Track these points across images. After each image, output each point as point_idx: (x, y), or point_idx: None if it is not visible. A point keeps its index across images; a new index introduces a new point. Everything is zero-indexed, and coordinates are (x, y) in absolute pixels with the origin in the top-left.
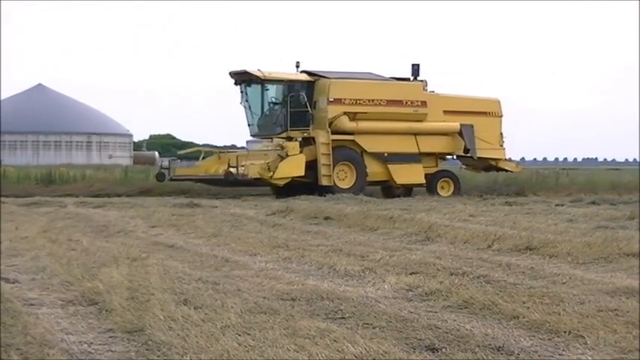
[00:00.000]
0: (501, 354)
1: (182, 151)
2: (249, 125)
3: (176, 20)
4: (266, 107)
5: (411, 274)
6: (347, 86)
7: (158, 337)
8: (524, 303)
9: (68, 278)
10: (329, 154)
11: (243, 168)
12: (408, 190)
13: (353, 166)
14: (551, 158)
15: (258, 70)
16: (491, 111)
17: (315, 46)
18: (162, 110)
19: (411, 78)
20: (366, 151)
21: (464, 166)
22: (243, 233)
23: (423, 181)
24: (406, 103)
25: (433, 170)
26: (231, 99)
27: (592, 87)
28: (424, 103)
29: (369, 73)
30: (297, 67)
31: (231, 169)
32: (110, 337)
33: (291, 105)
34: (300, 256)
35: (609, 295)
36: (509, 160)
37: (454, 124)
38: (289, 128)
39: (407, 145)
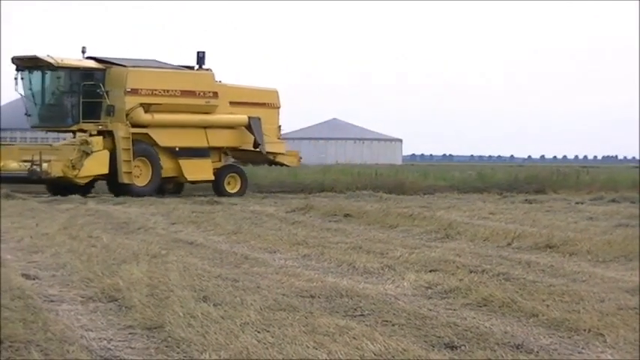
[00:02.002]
0: (521, 352)
1: None
2: (28, 115)
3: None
4: (52, 96)
5: (430, 271)
6: (144, 76)
7: (178, 334)
8: (543, 301)
9: (88, 275)
10: (129, 149)
11: (46, 165)
12: (179, 187)
13: (149, 161)
14: (571, 156)
15: (48, 55)
16: (270, 102)
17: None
18: None
19: (196, 67)
20: (158, 145)
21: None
22: (263, 230)
23: (212, 177)
24: (199, 94)
25: (219, 165)
26: None
27: (614, 84)
28: (215, 94)
29: (154, 60)
30: (83, 52)
31: (35, 167)
32: (130, 333)
33: (83, 95)
34: (320, 253)
35: (629, 294)
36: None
37: (243, 116)
38: (81, 120)
39: (197, 139)
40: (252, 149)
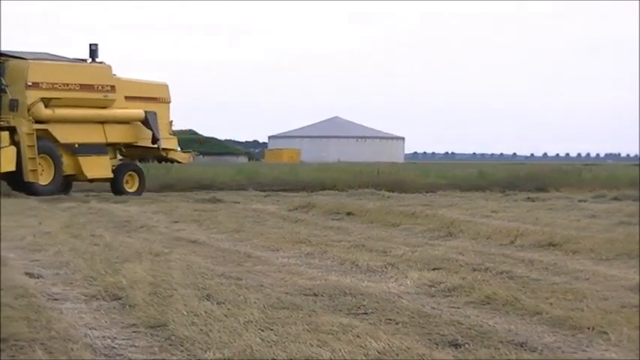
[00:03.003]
0: (524, 350)
1: None
2: None
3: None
4: None
5: (433, 269)
6: (45, 68)
7: (181, 332)
8: (546, 299)
9: (91, 273)
10: (34, 146)
11: None
12: (67, 186)
13: (51, 159)
14: (573, 154)
15: None
16: (161, 97)
17: None
18: (184, 105)
19: (89, 60)
20: (58, 141)
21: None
22: (265, 229)
23: (111, 175)
24: (97, 87)
25: (115, 163)
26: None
27: (617, 81)
28: (113, 88)
29: (46, 53)
30: None
31: None
32: (133, 332)
33: None
34: (322, 251)
35: (632, 292)
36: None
37: (139, 111)
38: None
39: (96, 135)
40: (147, 145)
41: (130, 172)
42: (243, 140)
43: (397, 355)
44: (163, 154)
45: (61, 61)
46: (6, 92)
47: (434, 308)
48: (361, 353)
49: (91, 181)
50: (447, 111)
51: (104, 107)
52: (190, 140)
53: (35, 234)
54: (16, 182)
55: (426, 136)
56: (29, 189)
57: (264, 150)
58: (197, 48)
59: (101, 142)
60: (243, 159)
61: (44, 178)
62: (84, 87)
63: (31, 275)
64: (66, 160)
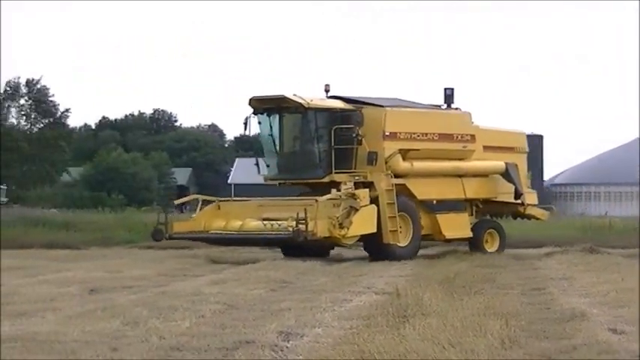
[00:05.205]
0: None
1: (178, 200)
2: (267, 166)
3: None
4: (296, 143)
5: None
6: (402, 117)
7: None
8: None
9: None
10: (394, 204)
11: (311, 224)
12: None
13: (409, 217)
14: None
15: (295, 95)
16: (517, 146)
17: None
18: None
19: (443, 105)
20: (416, 198)
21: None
22: None
23: (470, 234)
24: (456, 137)
25: (473, 220)
26: None
27: None
28: (473, 138)
29: (396, 99)
30: (327, 91)
31: (301, 226)
32: None
33: (335, 140)
34: None
35: None
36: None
37: (500, 162)
38: (334, 170)
39: (454, 190)
40: (507, 200)
41: (489, 230)
42: None
43: None
44: (521, 210)
45: (418, 107)
46: (362, 144)
47: None
48: None
49: (448, 241)
50: None
51: (462, 159)
52: None
53: (618, 290)
54: (373, 244)
55: None
56: (387, 251)
57: None
58: None
59: (460, 197)
60: None
61: (402, 239)
62: (442, 136)
63: (614, 331)
64: (423, 219)
